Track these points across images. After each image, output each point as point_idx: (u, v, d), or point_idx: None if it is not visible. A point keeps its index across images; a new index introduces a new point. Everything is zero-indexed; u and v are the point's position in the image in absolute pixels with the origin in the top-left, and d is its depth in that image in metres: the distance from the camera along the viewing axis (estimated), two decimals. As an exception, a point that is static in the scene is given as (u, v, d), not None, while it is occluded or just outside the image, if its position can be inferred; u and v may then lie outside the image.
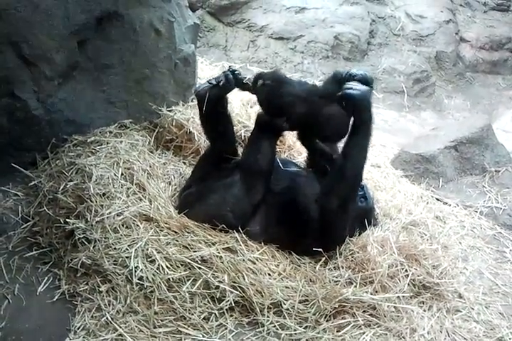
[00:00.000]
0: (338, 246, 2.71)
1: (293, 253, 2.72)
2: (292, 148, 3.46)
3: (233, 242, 2.62)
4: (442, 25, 6.17)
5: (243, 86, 2.82)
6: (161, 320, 2.33)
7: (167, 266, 2.47)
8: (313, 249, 2.63)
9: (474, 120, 4.50)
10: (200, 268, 2.48)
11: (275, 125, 2.70)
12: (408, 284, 2.61)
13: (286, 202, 2.72)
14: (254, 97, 3.62)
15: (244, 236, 2.67)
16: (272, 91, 2.66)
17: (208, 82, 2.87)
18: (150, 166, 3.01)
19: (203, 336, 2.30)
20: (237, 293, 2.42)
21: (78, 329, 2.31)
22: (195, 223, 2.69)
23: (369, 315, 2.46)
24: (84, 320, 2.33)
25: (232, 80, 2.79)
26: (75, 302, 2.42)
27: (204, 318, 2.37)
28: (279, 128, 2.73)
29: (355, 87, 2.47)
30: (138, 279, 2.42)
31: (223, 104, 2.90)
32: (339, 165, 2.57)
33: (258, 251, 2.64)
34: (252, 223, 2.72)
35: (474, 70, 6.29)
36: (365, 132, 2.54)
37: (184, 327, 2.31)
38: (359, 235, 2.81)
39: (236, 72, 2.82)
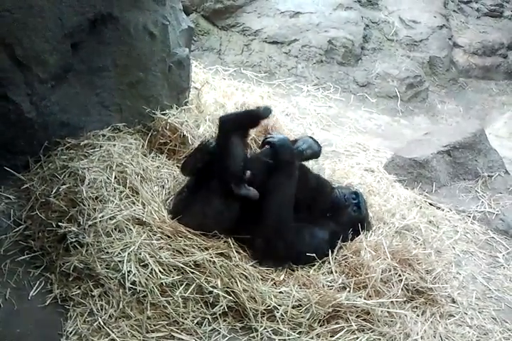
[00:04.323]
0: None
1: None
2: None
3: (226, 247, 2.62)
4: (436, 30, 6.20)
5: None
6: (154, 325, 2.31)
7: (160, 271, 2.46)
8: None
9: (467, 125, 4.52)
10: (193, 272, 2.47)
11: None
12: (401, 289, 2.61)
13: None
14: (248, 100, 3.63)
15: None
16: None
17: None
18: (143, 170, 3.00)
19: (196, 341, 2.29)
20: (231, 298, 2.41)
21: (70, 333, 2.28)
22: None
23: (363, 319, 2.46)
24: (77, 325, 2.31)
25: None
26: (67, 307, 2.40)
27: (197, 323, 2.36)
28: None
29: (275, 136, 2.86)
30: (130, 283, 2.41)
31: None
32: (264, 202, 2.68)
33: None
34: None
35: (467, 76, 6.32)
36: (285, 171, 2.72)
37: (177, 332, 2.30)
38: (352, 240, 2.82)
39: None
